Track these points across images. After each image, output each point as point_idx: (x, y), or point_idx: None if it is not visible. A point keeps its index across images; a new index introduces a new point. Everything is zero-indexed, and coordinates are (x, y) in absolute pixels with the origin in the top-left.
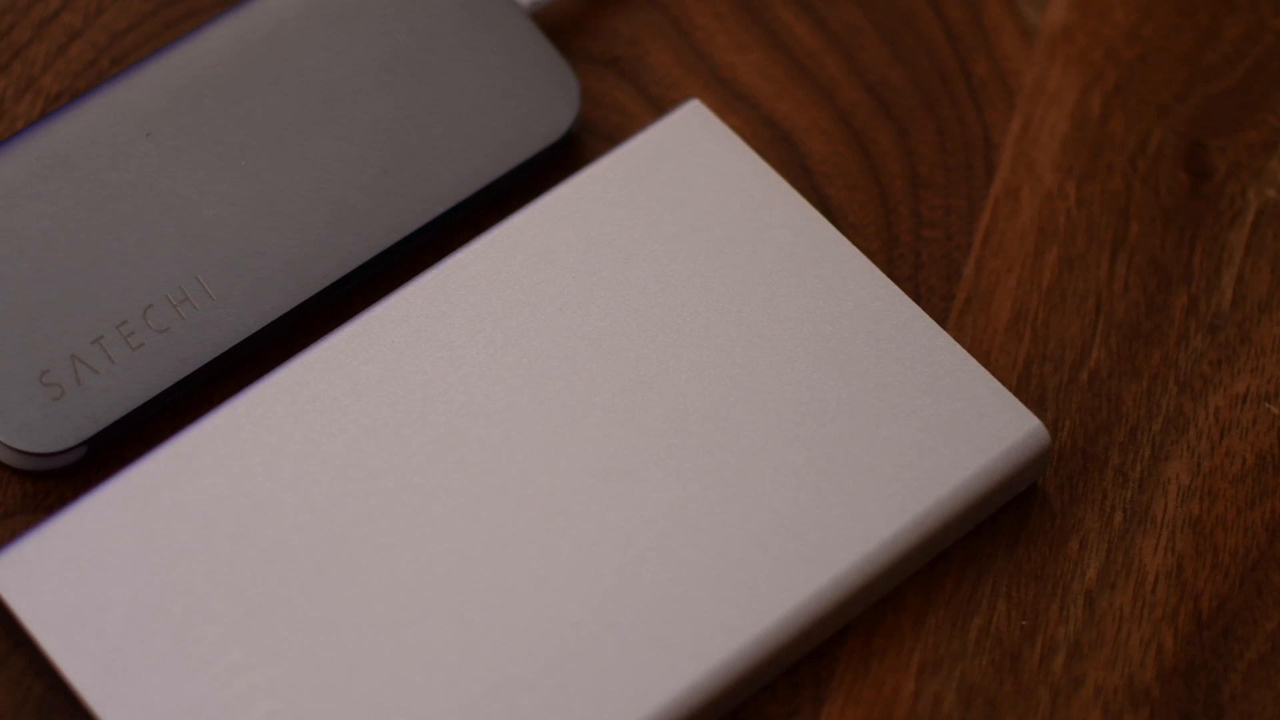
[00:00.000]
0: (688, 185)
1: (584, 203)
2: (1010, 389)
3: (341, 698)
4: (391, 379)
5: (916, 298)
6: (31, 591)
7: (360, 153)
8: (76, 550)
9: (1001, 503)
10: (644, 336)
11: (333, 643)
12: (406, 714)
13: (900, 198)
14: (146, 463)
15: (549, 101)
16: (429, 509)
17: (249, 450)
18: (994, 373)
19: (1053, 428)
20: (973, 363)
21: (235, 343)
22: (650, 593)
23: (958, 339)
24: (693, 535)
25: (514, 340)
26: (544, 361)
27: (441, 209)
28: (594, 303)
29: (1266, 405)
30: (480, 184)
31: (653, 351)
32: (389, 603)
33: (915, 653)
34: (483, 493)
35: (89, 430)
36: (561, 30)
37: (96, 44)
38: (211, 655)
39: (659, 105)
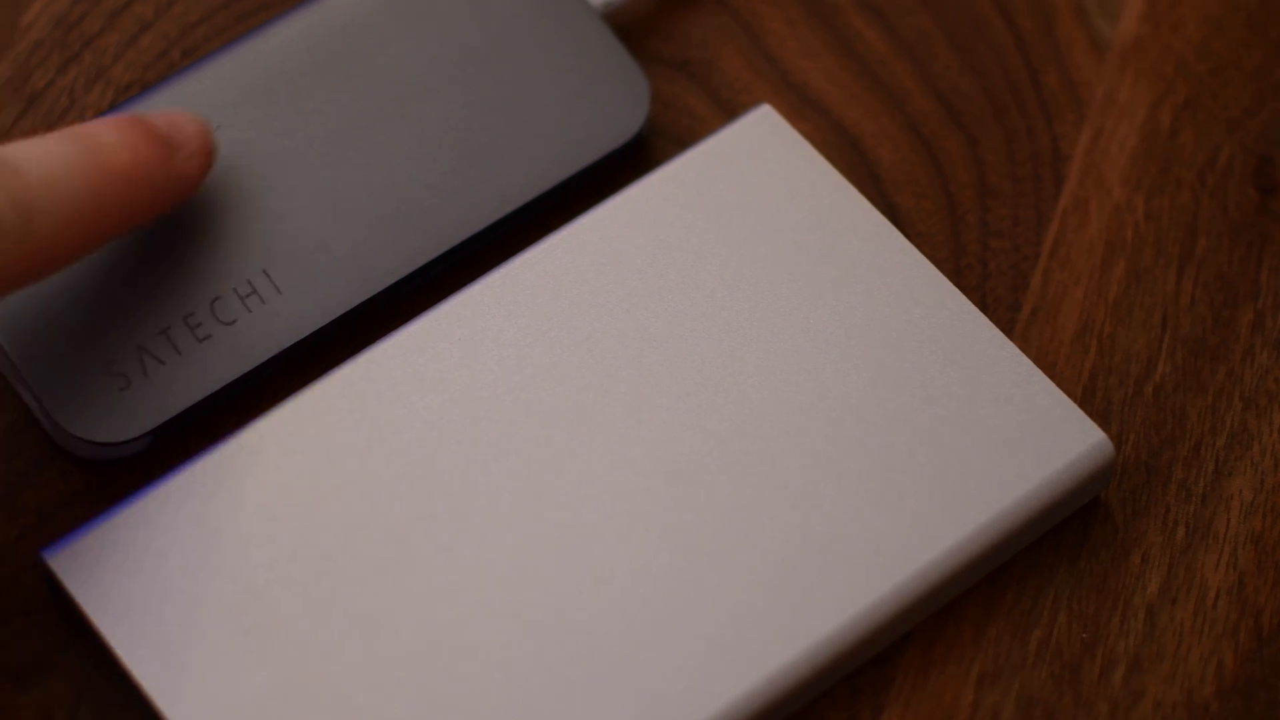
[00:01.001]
0: (756, 190)
1: (652, 205)
2: (1075, 401)
3: (397, 694)
4: (457, 376)
5: (983, 307)
6: (94, 582)
7: (429, 150)
8: (139, 541)
9: (1064, 515)
10: (710, 340)
11: (389, 639)
12: (461, 712)
13: (968, 207)
14: (211, 455)
15: (619, 103)
16: (491, 507)
17: (313, 445)
18: (1059, 385)
19: (1117, 441)
20: (1038, 374)
21: (301, 337)
22: (712, 596)
23: (1023, 350)
24: (756, 540)
25: (580, 340)
26: (609, 363)
27: (509, 209)
28: (660, 305)
29: None
30: (548, 185)
31: (718, 355)
32: (447, 601)
33: (975, 663)
34: (545, 492)
35: (154, 421)
36: (633, 32)
37: (168, 36)
38: (271, 649)
39: (729, 109)
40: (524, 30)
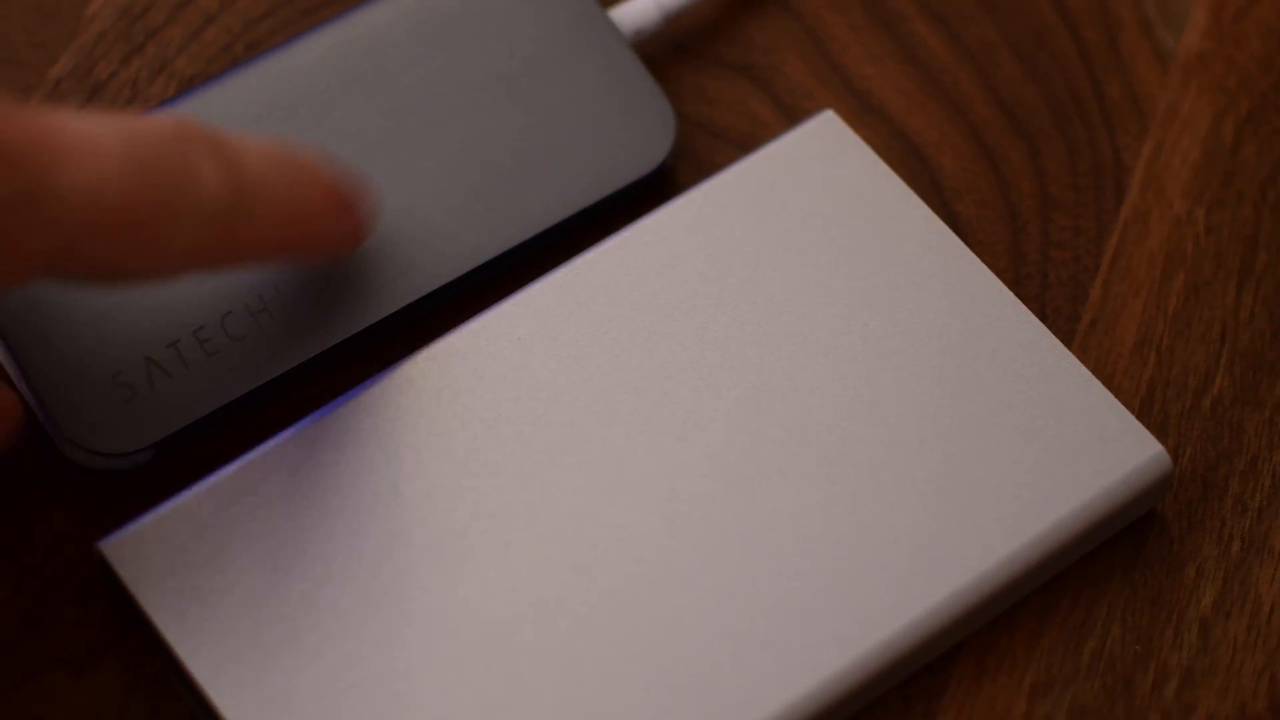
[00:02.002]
0: (819, 195)
1: (715, 208)
2: (1133, 413)
3: (448, 693)
4: (517, 376)
5: (1042, 317)
6: (148, 571)
7: (450, 172)
8: (195, 533)
9: (1120, 526)
10: (770, 344)
11: (443, 637)
12: (512, 712)
13: (1029, 217)
14: (268, 448)
15: (644, 133)
16: (545, 508)
17: (371, 441)
18: (1117, 396)
19: (1174, 454)
20: (1097, 385)
21: (310, 356)
22: (767, 600)
23: (1082, 360)
24: (812, 545)
25: (640, 342)
26: (669, 365)
27: (526, 235)
28: (721, 308)
29: None
30: (567, 212)
31: (778, 359)
32: (501, 600)
33: (1028, 673)
34: (603, 495)
35: (157, 434)
36: (696, 36)
37: (232, 29)
38: (325, 643)
39: (791, 114)
40: (552, 56)
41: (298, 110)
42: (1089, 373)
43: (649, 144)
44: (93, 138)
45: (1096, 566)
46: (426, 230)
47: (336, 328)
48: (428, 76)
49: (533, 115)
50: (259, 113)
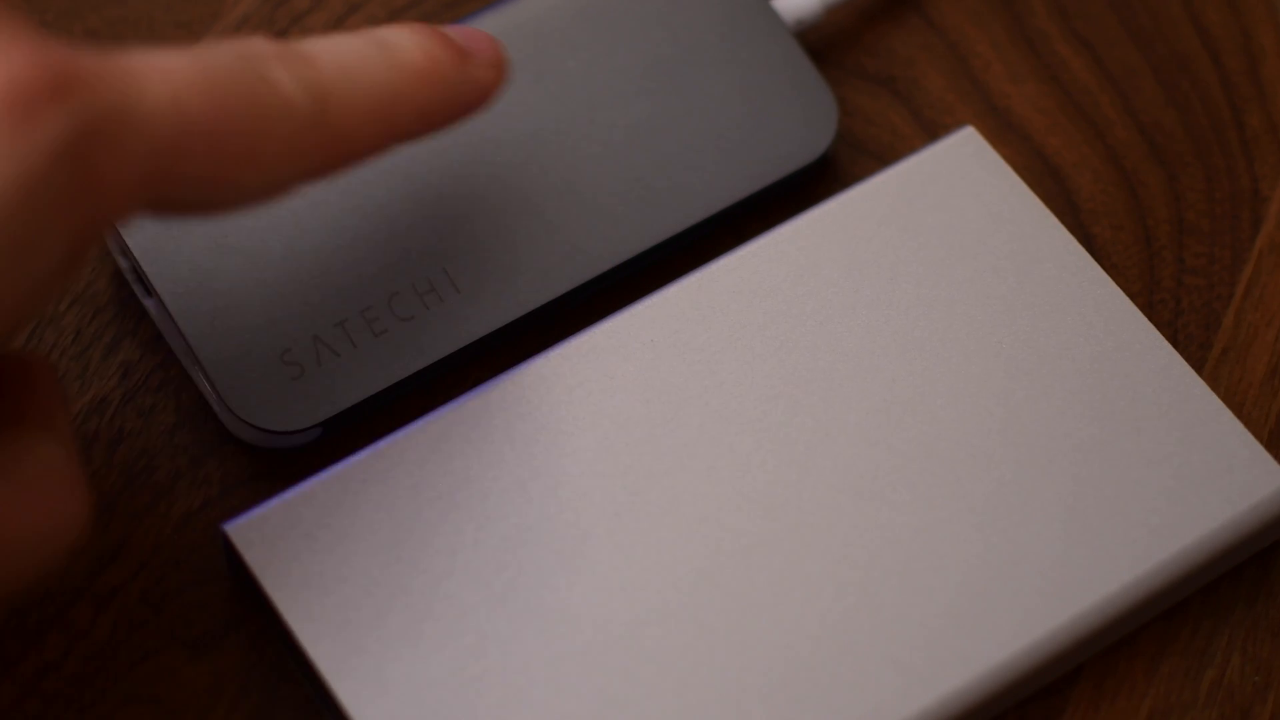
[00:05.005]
0: (956, 211)
1: (852, 220)
2: (1262, 443)
3: (572, 691)
4: (647, 377)
5: (1174, 343)
6: (273, 556)
7: (615, 157)
8: (321, 520)
9: (1244, 556)
10: (901, 358)
11: (568, 635)
12: (635, 712)
13: (1165, 242)
14: (397, 439)
15: (807, 122)
16: (675, 510)
17: (501, 436)
18: (1247, 425)
19: None
20: (1227, 414)
21: (477, 337)
22: (888, 615)
23: (1212, 389)
24: (935, 561)
25: (773, 350)
26: (800, 374)
27: (692, 221)
28: (854, 319)
29: None
30: (732, 199)
31: (909, 374)
32: (628, 601)
33: (1146, 699)
34: (730, 499)
35: (325, 413)
36: (838, 45)
37: (375, 18)
38: (448, 636)
39: (930, 129)
40: (715, 43)
41: None
42: (1219, 401)
43: (813, 132)
44: (162, 60)
45: (1219, 596)
46: (592, 215)
47: (502, 310)
48: (592, 62)
49: (696, 103)
50: None
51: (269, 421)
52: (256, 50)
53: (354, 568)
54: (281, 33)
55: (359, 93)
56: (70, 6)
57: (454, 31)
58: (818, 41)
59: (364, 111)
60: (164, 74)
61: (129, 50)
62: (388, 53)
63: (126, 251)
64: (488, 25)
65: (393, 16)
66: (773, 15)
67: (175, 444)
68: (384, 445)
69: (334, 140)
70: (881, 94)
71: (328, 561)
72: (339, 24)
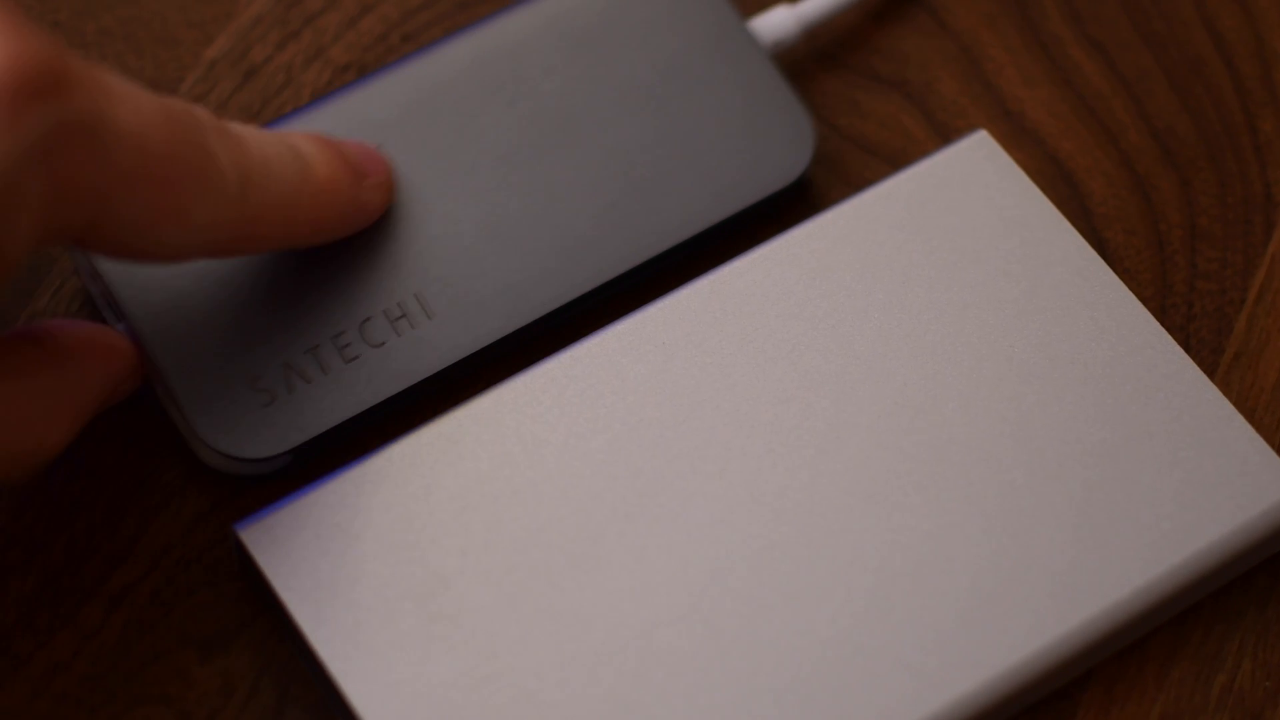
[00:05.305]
0: (969, 215)
1: (864, 223)
2: (1274, 448)
3: (582, 692)
4: (660, 379)
5: (1186, 348)
6: (284, 557)
7: (590, 181)
8: (332, 521)
9: (1255, 561)
10: (913, 361)
11: (577, 637)
12: (646, 714)
13: (1177, 247)
14: (408, 441)
15: (784, 145)
16: (684, 513)
17: (511, 438)
18: (1258, 431)
19: None
20: (1239, 419)
21: (449, 364)
22: (899, 618)
23: (1224, 393)
24: (947, 564)
25: (785, 352)
26: (811, 376)
27: (666, 245)
28: (866, 322)
29: None
30: (707, 223)
31: (921, 377)
32: (637, 602)
33: (1157, 704)
34: (739, 501)
35: (295, 439)
36: (850, 49)
37: (388, 19)
38: (456, 638)
39: (943, 133)
40: (691, 66)
41: (437, 116)
42: (1231, 406)
43: (788, 156)
44: (134, 90)
45: (1230, 601)
46: (566, 239)
47: (475, 335)
48: (567, 85)
49: (670, 125)
50: (399, 117)
51: (238, 449)
52: (202, 118)
53: (365, 568)
54: (294, 34)
55: (273, 188)
56: (84, 5)
57: (351, 150)
58: (829, 44)
59: (273, 207)
60: (135, 103)
61: (106, 69)
62: (300, 162)
63: (97, 276)
64: (465, 48)
65: (406, 17)
66: (748, 37)
67: (186, 445)
68: (396, 446)
69: (245, 222)
70: (894, 97)
71: (339, 562)
72: (352, 25)
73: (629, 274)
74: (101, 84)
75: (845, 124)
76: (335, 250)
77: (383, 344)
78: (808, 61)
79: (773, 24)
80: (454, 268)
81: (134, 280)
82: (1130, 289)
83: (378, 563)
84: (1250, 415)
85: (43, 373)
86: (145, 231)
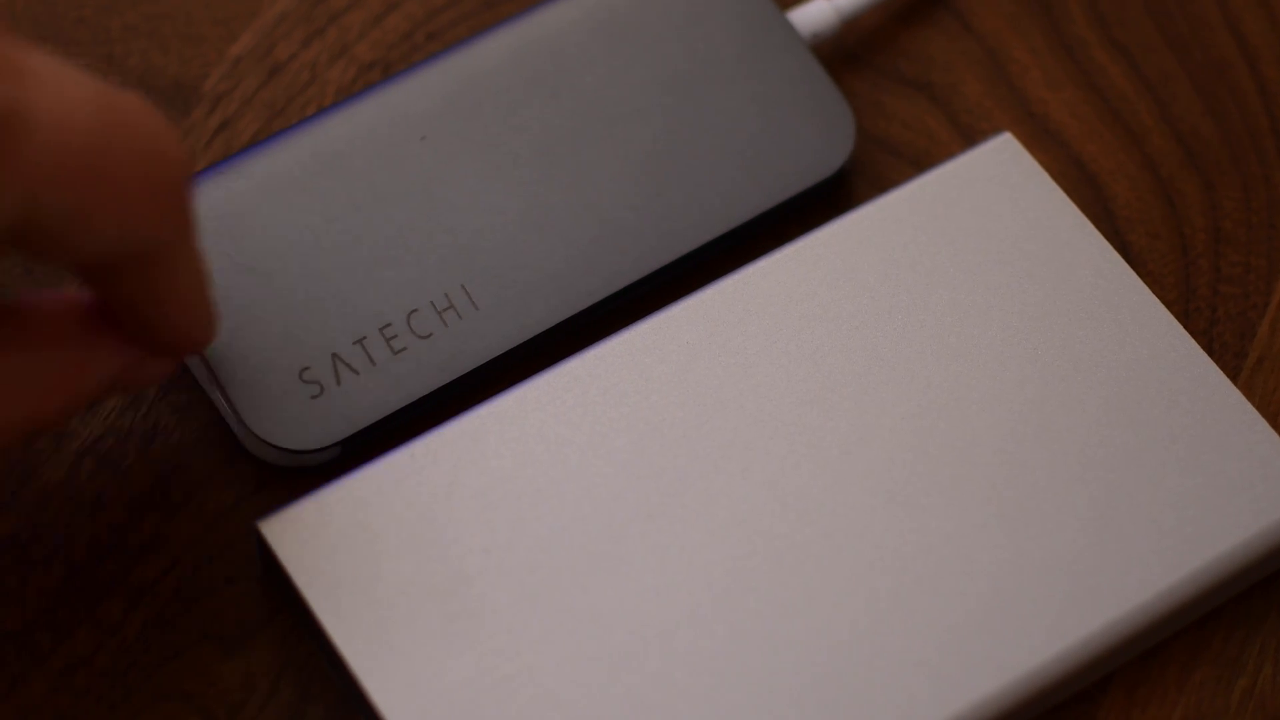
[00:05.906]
0: (993, 217)
1: (888, 224)
2: None
3: (603, 692)
4: (683, 379)
5: (1209, 352)
6: (306, 553)
7: (634, 172)
8: (354, 517)
9: (1278, 566)
10: (937, 362)
11: (598, 636)
12: (666, 715)
13: (1201, 250)
14: (431, 438)
15: (824, 137)
16: (707, 514)
17: (535, 436)
18: None
19: None
20: (1262, 423)
21: (496, 354)
22: (920, 620)
23: (1247, 397)
24: (968, 566)
25: (808, 354)
26: (835, 378)
27: (709, 236)
28: (890, 324)
29: None
30: (749, 215)
31: (944, 379)
32: (659, 602)
33: (1178, 708)
34: (763, 502)
35: (344, 431)
36: (875, 49)
37: (413, 17)
38: (479, 635)
39: (968, 135)
40: (732, 58)
41: (480, 107)
42: (1254, 410)
43: (829, 147)
44: (61, 75)
45: (1251, 605)
46: (608, 232)
47: (520, 327)
48: (608, 77)
49: (711, 117)
50: (443, 109)
51: (288, 440)
52: (147, 107)
53: (387, 565)
54: (319, 31)
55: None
56: (109, 1)
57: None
58: (855, 45)
59: None
60: (59, 90)
61: (41, 53)
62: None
63: None
64: (505, 41)
65: (431, 15)
66: (789, 28)
67: (209, 440)
68: (418, 443)
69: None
70: (919, 99)
71: (361, 559)
72: (377, 23)
73: (675, 263)
74: (19, 68)
75: (869, 125)
76: (381, 241)
77: (430, 335)
78: (833, 63)
79: (812, 16)
80: (499, 259)
81: None
82: (1153, 292)
83: (400, 560)
84: (1273, 419)
85: (10, 349)
86: (81, 231)
